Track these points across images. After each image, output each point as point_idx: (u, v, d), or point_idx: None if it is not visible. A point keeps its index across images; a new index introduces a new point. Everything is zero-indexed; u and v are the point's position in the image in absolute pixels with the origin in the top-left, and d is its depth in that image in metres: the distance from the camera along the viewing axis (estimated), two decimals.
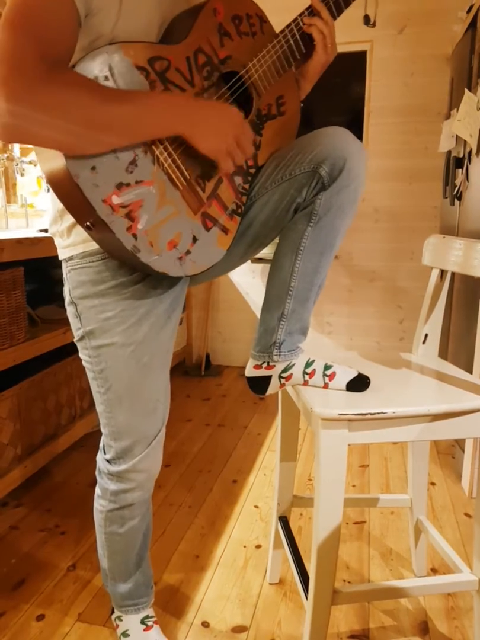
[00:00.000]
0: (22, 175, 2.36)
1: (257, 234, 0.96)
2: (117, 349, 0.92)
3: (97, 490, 1.06)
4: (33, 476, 1.76)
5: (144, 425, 0.98)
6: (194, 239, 0.85)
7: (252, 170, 0.92)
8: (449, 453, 2.12)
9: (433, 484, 1.88)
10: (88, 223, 0.77)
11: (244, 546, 1.53)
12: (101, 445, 1.04)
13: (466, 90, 1.93)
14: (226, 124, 0.81)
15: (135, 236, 0.77)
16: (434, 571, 1.43)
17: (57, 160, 0.74)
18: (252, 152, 0.86)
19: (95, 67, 0.75)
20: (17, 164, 2.31)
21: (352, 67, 2.89)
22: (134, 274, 0.89)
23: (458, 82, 2.27)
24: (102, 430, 1.01)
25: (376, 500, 1.33)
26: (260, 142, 0.93)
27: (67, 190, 0.76)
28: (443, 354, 2.15)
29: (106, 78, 0.75)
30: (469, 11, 2.18)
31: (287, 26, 0.91)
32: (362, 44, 2.77)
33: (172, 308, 0.97)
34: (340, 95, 2.96)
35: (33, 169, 2.44)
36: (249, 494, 1.81)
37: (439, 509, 1.71)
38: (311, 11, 0.92)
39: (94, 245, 0.88)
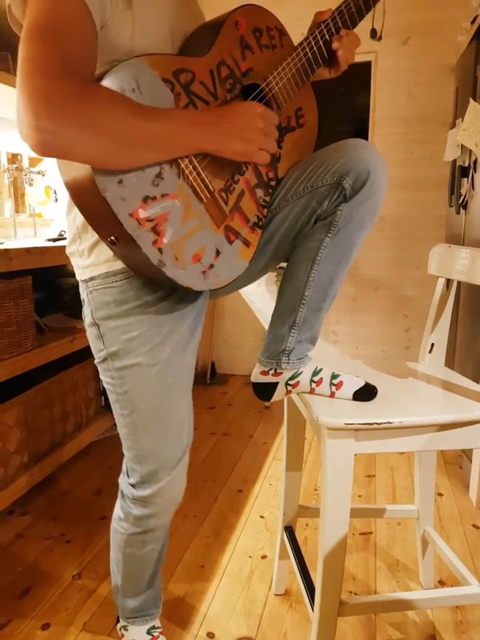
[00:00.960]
0: (30, 185, 2.38)
1: (279, 246, 0.96)
2: (142, 370, 0.90)
3: (119, 513, 1.03)
4: (39, 484, 1.76)
5: (169, 448, 0.96)
6: (218, 253, 0.84)
7: (273, 183, 0.92)
8: (456, 463, 2.10)
9: (440, 494, 1.86)
10: (112, 238, 0.76)
11: (250, 556, 1.52)
12: (124, 468, 1.01)
13: (471, 100, 1.94)
14: (248, 121, 0.79)
15: (160, 250, 0.76)
16: (441, 583, 1.42)
17: (83, 174, 0.74)
18: (277, 135, 0.84)
19: (122, 80, 0.74)
20: (26, 174, 2.34)
21: (357, 77, 2.91)
22: (157, 292, 0.88)
23: (463, 92, 2.28)
24: (125, 453, 0.98)
25: (383, 510, 1.32)
26: (280, 155, 0.93)
27: (93, 204, 0.75)
28: (450, 363, 2.14)
29: (133, 91, 0.75)
30: (473, 22, 2.19)
31: (305, 39, 0.91)
32: (367, 54, 2.79)
33: (194, 325, 0.95)
34: (345, 104, 2.98)
35: (41, 179, 2.46)
36: (254, 504, 1.80)
37: (446, 520, 1.70)
38: (335, 22, 0.92)
39: (117, 265, 0.86)
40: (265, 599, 1.35)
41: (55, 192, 2.52)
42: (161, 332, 0.90)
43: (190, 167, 0.80)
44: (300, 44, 0.92)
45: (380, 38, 1.07)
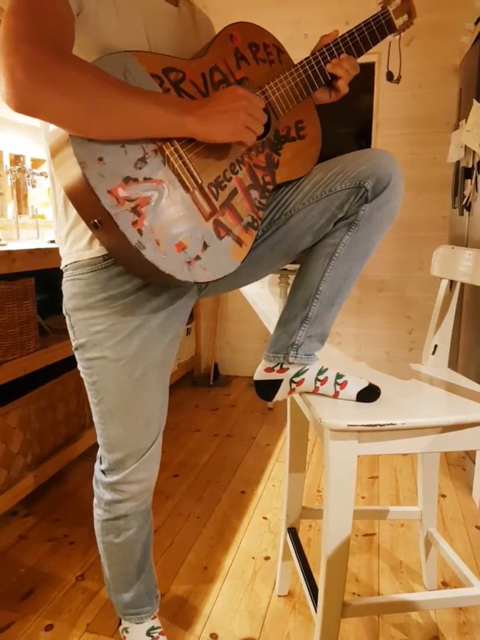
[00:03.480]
0: (33, 186, 2.39)
1: (290, 247, 0.98)
2: (108, 363, 0.92)
3: (94, 499, 1.06)
4: (42, 485, 1.76)
5: (136, 439, 0.97)
6: (205, 245, 0.83)
7: (270, 187, 0.93)
8: (459, 465, 2.10)
9: (443, 496, 1.86)
10: (95, 221, 0.76)
11: (253, 558, 1.52)
12: (98, 453, 1.04)
13: (475, 101, 1.94)
14: (231, 102, 0.80)
15: (140, 231, 0.76)
16: (444, 585, 1.41)
17: (68, 156, 0.75)
18: (265, 118, 0.84)
19: (110, 68, 0.76)
20: (28, 176, 2.35)
21: (360, 78, 2.91)
22: (125, 286, 0.88)
23: (466, 93, 2.28)
24: (98, 440, 1.01)
25: (386, 512, 1.32)
26: (278, 161, 0.94)
27: (74, 183, 0.76)
28: (453, 364, 2.14)
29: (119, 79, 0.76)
30: (477, 23, 2.19)
31: (307, 58, 0.93)
32: (370, 56, 2.79)
33: (168, 322, 0.95)
34: (348, 106, 2.98)
35: (44, 181, 2.47)
36: (257, 505, 1.80)
37: (450, 522, 1.69)
38: (337, 47, 0.94)
39: (85, 255, 0.87)
40: (268, 600, 1.35)
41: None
42: (128, 327, 0.90)
43: (176, 155, 0.80)
44: (301, 61, 0.93)
45: (399, 80, 1.08)
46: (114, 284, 0.88)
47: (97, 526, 1.07)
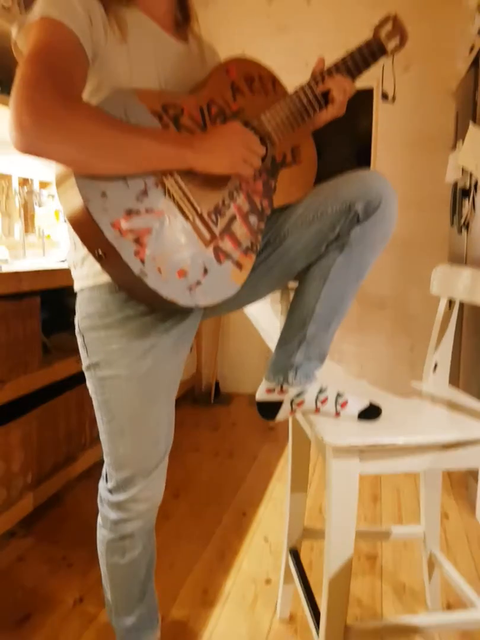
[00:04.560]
0: (40, 206, 2.42)
1: (288, 268, 0.99)
2: (121, 382, 0.93)
3: (99, 520, 1.05)
4: (41, 506, 1.74)
5: (144, 457, 0.98)
6: (205, 271, 0.86)
7: (268, 211, 0.95)
8: (462, 484, 2.08)
9: (446, 516, 1.84)
10: (99, 252, 0.79)
11: (254, 581, 1.50)
12: (103, 472, 1.04)
13: (471, 123, 1.98)
14: (229, 137, 0.84)
15: (143, 261, 0.79)
16: (449, 607, 1.39)
17: (71, 188, 0.77)
18: (262, 151, 0.88)
19: (111, 107, 0.80)
20: (36, 197, 2.38)
21: (360, 102, 2.96)
22: (140, 307, 0.90)
23: (463, 116, 2.32)
24: (105, 458, 1.01)
25: (388, 533, 1.31)
26: (275, 187, 0.96)
27: (79, 216, 0.79)
28: (454, 381, 2.14)
29: (120, 119, 0.80)
30: (471, 50, 2.24)
31: (301, 85, 0.96)
32: (368, 81, 2.85)
33: (180, 342, 0.98)
34: (348, 127, 3.03)
35: (51, 202, 2.51)
36: (259, 527, 1.78)
37: (453, 542, 1.67)
38: (330, 72, 0.96)
39: (103, 278, 0.90)
40: (269, 624, 1.33)
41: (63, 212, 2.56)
42: (142, 347, 0.92)
43: (176, 186, 0.83)
44: (295, 90, 0.96)
45: (393, 99, 1.11)
46: (131, 304, 0.90)
47: (101, 547, 1.06)
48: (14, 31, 0.87)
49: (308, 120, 0.98)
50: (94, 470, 2.12)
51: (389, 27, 1.03)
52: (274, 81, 0.99)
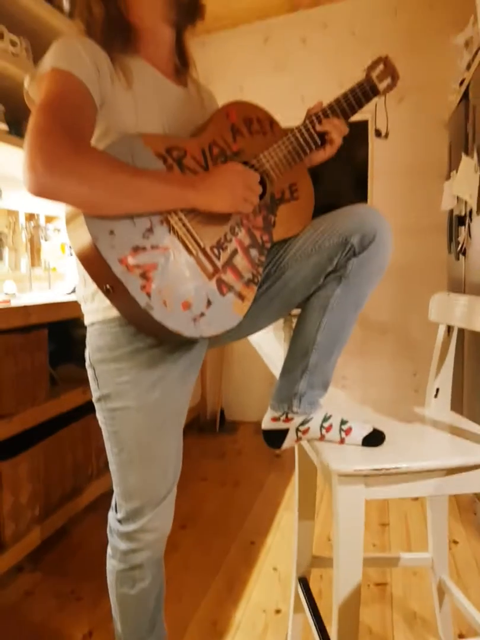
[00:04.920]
0: (46, 240, 2.48)
1: (288, 299, 1.03)
2: (131, 413, 0.96)
3: (109, 550, 1.06)
4: (48, 539, 1.74)
5: (154, 487, 1.00)
6: (209, 302, 0.89)
7: (268, 245, 0.99)
8: (470, 509, 2.07)
9: (455, 542, 1.83)
10: (107, 287, 0.83)
11: (264, 611, 1.49)
12: (113, 503, 1.05)
13: (463, 155, 2.04)
14: (230, 177, 0.89)
15: (149, 295, 0.83)
16: (461, 637, 1.38)
17: (81, 227, 0.82)
18: (260, 190, 0.93)
19: (118, 152, 0.85)
20: (42, 231, 2.45)
21: (356, 133, 3.06)
22: (149, 339, 0.94)
23: (456, 146, 2.40)
24: (114, 489, 1.03)
25: (396, 559, 1.31)
26: (274, 221, 1.01)
27: (88, 253, 0.83)
28: (457, 406, 2.15)
29: (127, 162, 0.85)
30: (461, 84, 2.33)
31: (297, 126, 1.02)
32: (363, 114, 2.94)
33: (187, 373, 1.01)
34: (345, 157, 3.12)
35: (57, 235, 2.57)
36: (267, 556, 1.77)
37: (463, 569, 1.66)
38: (325, 113, 1.02)
39: (113, 313, 0.93)
40: None
41: (70, 248, 2.62)
42: (151, 378, 0.95)
43: (180, 223, 0.88)
44: (291, 130, 1.01)
45: (386, 136, 1.17)
46: (141, 337, 0.94)
47: (110, 578, 1.06)
48: (26, 81, 0.93)
49: (304, 158, 1.03)
50: (100, 502, 2.12)
51: (380, 68, 1.09)
52: (272, 122, 1.05)
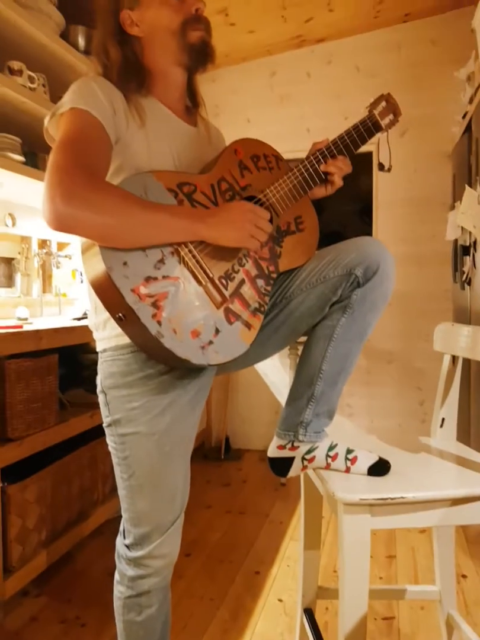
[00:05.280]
0: (58, 268, 2.54)
1: (294, 328, 1.06)
2: (141, 438, 0.98)
3: (116, 576, 1.06)
4: (54, 563, 1.74)
5: (162, 512, 1.01)
6: (217, 331, 0.92)
7: (274, 275, 1.03)
8: (478, 542, 2.04)
9: (464, 576, 1.80)
10: (119, 315, 0.86)
11: None
12: (121, 528, 1.06)
13: (467, 187, 2.09)
14: (239, 214, 0.93)
15: (159, 323, 0.86)
16: None
17: (96, 257, 0.86)
18: (269, 228, 0.96)
19: (132, 187, 0.89)
20: (54, 258, 2.50)
21: (360, 164, 3.12)
22: (160, 366, 0.96)
23: (459, 177, 2.45)
24: (123, 514, 1.04)
25: (403, 591, 1.30)
26: (280, 252, 1.05)
27: (102, 282, 0.86)
28: (465, 437, 2.14)
29: (140, 196, 0.89)
30: (464, 117, 2.40)
31: (302, 162, 1.06)
32: (368, 146, 3.02)
33: (196, 399, 1.03)
34: (350, 187, 3.18)
35: (68, 262, 2.63)
36: (272, 586, 1.76)
37: (472, 604, 1.64)
38: (330, 151, 1.07)
39: (125, 340, 0.96)
40: None
41: (81, 274, 2.67)
42: (162, 404, 0.97)
43: (190, 255, 0.92)
44: (297, 165, 1.06)
45: (389, 169, 1.21)
46: (152, 363, 0.96)
47: (117, 604, 1.06)
48: (46, 120, 0.98)
49: (309, 192, 1.08)
50: (106, 528, 2.11)
51: (383, 105, 1.14)
52: (278, 158, 1.10)
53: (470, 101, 2.30)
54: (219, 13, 2.67)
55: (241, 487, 2.68)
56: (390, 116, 1.14)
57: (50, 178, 0.82)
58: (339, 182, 1.08)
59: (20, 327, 1.68)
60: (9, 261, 2.35)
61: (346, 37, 3.06)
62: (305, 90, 3.18)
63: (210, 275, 0.94)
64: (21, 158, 1.96)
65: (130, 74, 1.00)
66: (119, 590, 1.05)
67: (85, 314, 2.36)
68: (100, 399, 1.03)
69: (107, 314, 0.97)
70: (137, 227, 0.85)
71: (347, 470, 1.01)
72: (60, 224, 0.82)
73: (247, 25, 2.83)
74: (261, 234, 0.94)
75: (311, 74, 3.17)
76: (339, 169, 1.06)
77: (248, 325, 0.97)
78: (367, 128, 1.11)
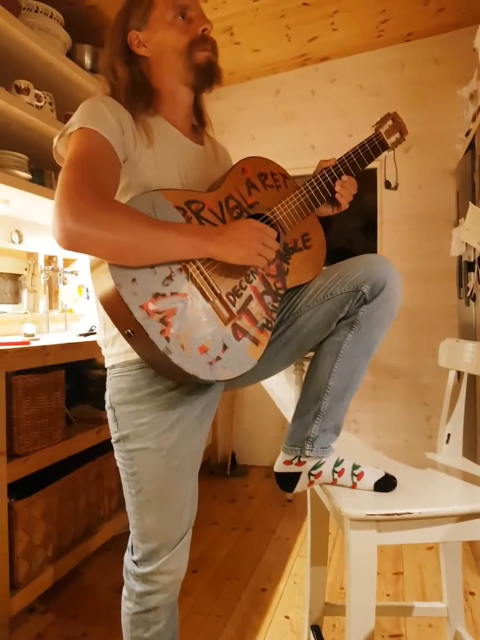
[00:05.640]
0: (64, 284, 2.57)
1: (301, 344, 1.07)
2: (149, 454, 0.98)
3: (124, 592, 1.06)
4: (60, 579, 1.73)
5: (170, 528, 1.01)
6: (225, 347, 0.93)
7: (281, 292, 1.04)
8: None
9: (472, 593, 1.78)
10: (128, 331, 0.88)
11: None
12: (129, 544, 1.06)
13: (471, 204, 2.10)
14: (247, 233, 0.94)
15: (168, 339, 0.87)
16: None
17: (105, 274, 0.87)
18: (276, 246, 0.97)
19: (141, 205, 0.91)
20: (60, 274, 2.53)
21: (364, 180, 3.16)
22: (168, 382, 0.97)
23: (463, 194, 2.47)
24: (131, 530, 1.04)
25: (410, 608, 1.29)
26: (288, 269, 1.06)
27: (111, 299, 0.88)
28: (471, 452, 2.13)
29: (149, 214, 0.91)
30: (467, 134, 2.43)
31: (309, 180, 1.08)
32: (373, 163, 3.05)
33: (204, 415, 1.03)
34: (356, 203, 3.21)
35: (74, 279, 2.66)
36: (279, 603, 1.74)
37: None
38: (337, 170, 1.09)
39: (133, 356, 0.97)
40: None
41: (87, 290, 2.70)
42: (170, 419, 0.98)
43: (198, 271, 0.93)
44: (304, 183, 1.08)
45: (396, 187, 1.23)
46: (160, 379, 0.97)
47: (125, 620, 1.06)
48: (55, 140, 1.00)
49: (315, 210, 1.09)
50: (112, 544, 2.11)
51: (389, 123, 1.16)
52: (285, 176, 1.12)
53: (473, 119, 2.33)
54: (224, 32, 2.72)
55: (247, 504, 2.67)
56: (397, 135, 1.16)
57: (60, 197, 0.83)
58: (345, 205, 1.11)
59: (27, 343, 1.70)
60: (15, 277, 2.39)
61: (350, 55, 3.11)
62: (309, 108, 3.22)
63: (218, 291, 0.95)
64: (28, 175, 2.00)
65: (137, 93, 1.02)
66: (127, 606, 1.05)
67: (91, 329, 2.38)
68: (109, 414, 1.04)
69: (115, 331, 0.98)
70: (147, 245, 0.87)
71: (354, 485, 1.02)
72: (71, 242, 0.83)
73: (252, 44, 2.89)
74: (268, 252, 0.95)
75: (315, 92, 3.22)
76: (348, 191, 1.08)
77: (256, 341, 0.98)
78: (374, 146, 1.13)
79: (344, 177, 1.08)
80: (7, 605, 1.45)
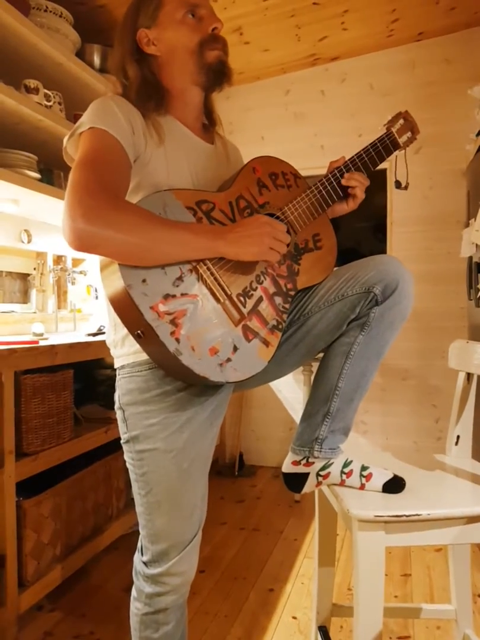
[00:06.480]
0: (73, 284, 2.58)
1: (311, 346, 1.06)
2: (159, 455, 0.98)
3: (134, 592, 1.06)
4: (68, 578, 1.74)
5: (180, 529, 1.01)
6: (235, 348, 0.93)
7: (292, 293, 1.04)
8: None
9: None
10: (138, 332, 0.87)
11: None
12: (139, 545, 1.06)
13: None
14: (257, 228, 0.93)
15: (178, 340, 0.86)
16: None
17: (115, 275, 0.87)
18: (288, 239, 0.96)
19: (151, 206, 0.91)
20: (69, 274, 2.55)
21: (374, 181, 3.14)
22: (178, 382, 0.97)
23: (474, 195, 2.45)
24: (141, 531, 1.04)
25: (419, 610, 1.28)
26: (298, 270, 1.06)
27: (121, 299, 0.87)
28: None
29: (160, 214, 0.91)
30: (478, 135, 2.41)
31: (320, 180, 1.07)
32: (383, 163, 3.04)
33: (214, 416, 1.03)
34: (365, 204, 3.19)
35: (83, 278, 2.67)
36: (286, 604, 1.74)
37: None
38: (348, 168, 1.08)
39: (142, 356, 0.97)
40: None
41: (96, 290, 2.71)
42: (179, 420, 0.97)
43: (208, 272, 0.92)
44: (315, 183, 1.07)
45: (406, 187, 1.22)
46: (169, 380, 0.97)
47: (134, 620, 1.05)
48: (65, 139, 1.00)
49: (327, 210, 1.09)
50: (120, 543, 2.12)
51: (401, 122, 1.15)
52: (296, 176, 1.11)
53: None
54: (234, 32, 2.72)
55: (255, 504, 2.67)
56: (408, 134, 1.16)
57: (70, 197, 0.83)
58: (361, 195, 1.09)
59: (36, 342, 1.71)
60: (24, 277, 2.40)
61: (360, 55, 3.10)
62: (319, 108, 3.22)
63: (229, 292, 0.94)
64: (37, 175, 2.01)
65: (148, 92, 1.02)
66: (136, 607, 1.05)
67: (99, 329, 2.39)
68: (118, 415, 1.04)
69: (125, 331, 0.98)
70: (158, 246, 0.86)
71: (362, 487, 1.01)
72: (82, 243, 0.82)
73: (262, 44, 2.89)
74: (280, 245, 0.94)
75: (325, 92, 3.21)
76: (359, 182, 1.07)
77: (266, 343, 0.97)
78: (385, 146, 1.12)
79: (358, 174, 1.08)
80: (15, 603, 1.46)
